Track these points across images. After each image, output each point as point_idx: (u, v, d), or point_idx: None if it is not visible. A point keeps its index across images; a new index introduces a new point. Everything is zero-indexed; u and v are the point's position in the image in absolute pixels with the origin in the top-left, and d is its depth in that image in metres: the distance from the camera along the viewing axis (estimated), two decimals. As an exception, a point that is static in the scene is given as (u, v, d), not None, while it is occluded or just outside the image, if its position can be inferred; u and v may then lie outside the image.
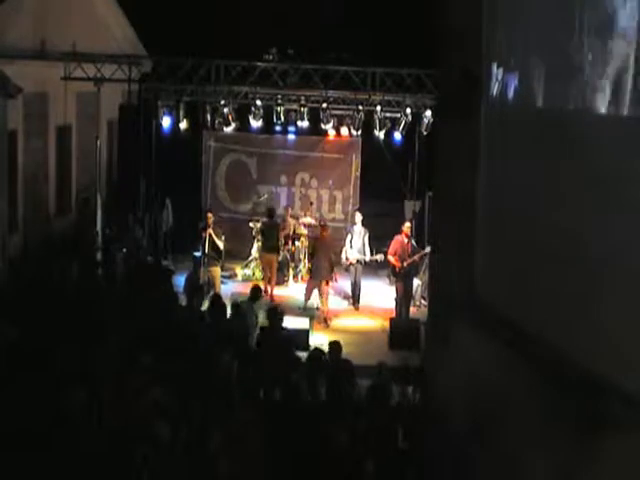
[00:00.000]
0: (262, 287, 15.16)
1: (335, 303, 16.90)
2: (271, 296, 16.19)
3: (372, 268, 17.39)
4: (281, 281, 17.35)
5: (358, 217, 16.97)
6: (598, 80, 5.00)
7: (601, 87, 5.00)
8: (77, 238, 16.30)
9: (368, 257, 16.56)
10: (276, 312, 11.44)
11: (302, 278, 17.62)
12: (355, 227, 16.86)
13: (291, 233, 17.92)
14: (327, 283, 15.69)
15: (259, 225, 17.47)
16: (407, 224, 15.91)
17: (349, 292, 17.04)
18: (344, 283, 17.57)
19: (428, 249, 15.09)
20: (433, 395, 7.86)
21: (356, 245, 16.60)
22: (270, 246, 16.66)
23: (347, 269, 17.16)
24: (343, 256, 16.70)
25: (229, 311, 11.76)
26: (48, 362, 8.28)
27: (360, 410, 9.19)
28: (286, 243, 17.72)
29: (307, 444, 7.75)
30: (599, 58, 5.00)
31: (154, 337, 9.36)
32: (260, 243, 17.31)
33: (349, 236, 16.86)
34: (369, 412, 9.15)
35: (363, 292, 16.81)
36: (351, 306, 16.75)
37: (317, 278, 15.65)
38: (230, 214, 19.63)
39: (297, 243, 17.92)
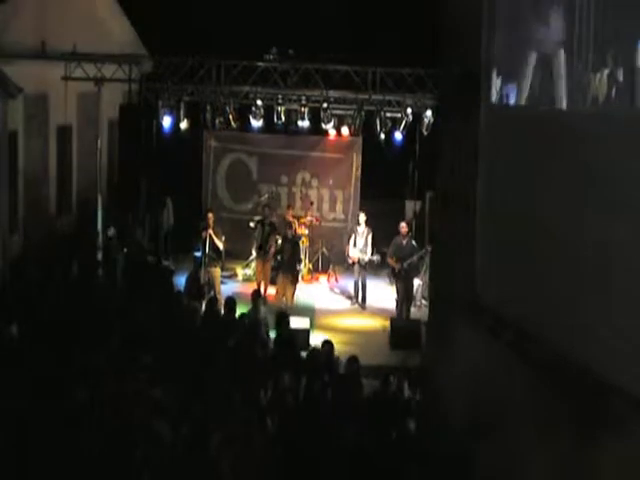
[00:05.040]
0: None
1: (338, 303, 16.98)
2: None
3: (372, 268, 17.46)
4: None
5: (362, 217, 17.31)
6: (593, 82, 5.01)
7: (594, 89, 5.01)
8: (77, 238, 16.30)
9: (368, 257, 16.84)
10: (284, 317, 11.69)
11: (303, 278, 17.61)
12: (359, 227, 17.19)
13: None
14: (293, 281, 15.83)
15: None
16: (403, 224, 15.96)
17: (352, 292, 17.18)
18: (346, 283, 17.69)
19: (428, 248, 15.14)
20: (433, 394, 7.87)
21: (359, 244, 16.96)
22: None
23: (349, 268, 17.65)
24: (346, 256, 17.26)
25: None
26: (49, 362, 8.28)
27: (363, 409, 9.21)
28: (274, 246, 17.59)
29: (309, 442, 7.76)
30: (593, 62, 5.03)
31: (154, 337, 9.36)
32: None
33: (353, 235, 17.21)
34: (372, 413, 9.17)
35: (364, 292, 17.05)
36: (354, 306, 16.89)
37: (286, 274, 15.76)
38: (230, 214, 19.62)
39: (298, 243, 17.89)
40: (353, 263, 17.03)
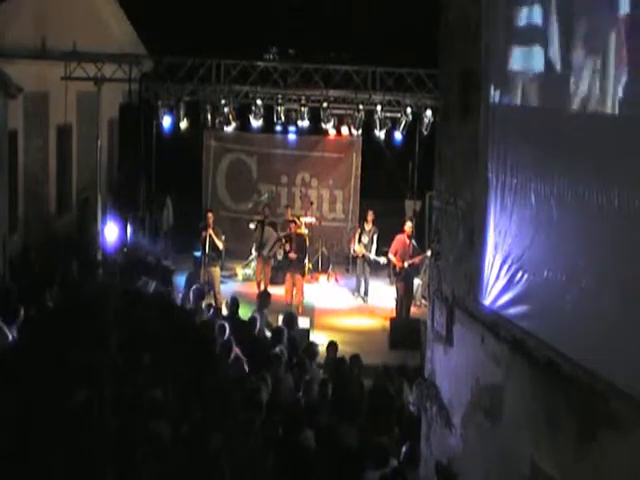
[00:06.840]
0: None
1: (338, 303, 16.99)
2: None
3: (373, 267, 17.50)
4: (280, 280, 17.25)
5: (370, 215, 17.47)
6: (587, 83, 5.03)
7: (587, 89, 5.02)
8: (77, 238, 16.28)
9: (373, 256, 16.94)
10: (292, 318, 11.85)
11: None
12: (366, 224, 17.37)
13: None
14: (302, 276, 16.06)
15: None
16: (409, 223, 16.02)
17: (351, 292, 17.24)
18: (346, 282, 17.75)
19: (429, 252, 15.15)
20: (433, 394, 7.87)
21: (364, 241, 17.14)
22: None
23: (352, 263, 17.95)
24: (351, 249, 17.60)
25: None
26: (49, 362, 8.27)
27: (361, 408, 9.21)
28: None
29: (308, 442, 7.76)
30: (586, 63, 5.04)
31: (154, 337, 9.34)
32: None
33: (359, 231, 17.40)
34: (370, 411, 9.18)
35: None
36: (355, 300, 17.06)
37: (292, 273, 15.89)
38: (230, 213, 19.63)
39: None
40: (356, 257, 17.18)
